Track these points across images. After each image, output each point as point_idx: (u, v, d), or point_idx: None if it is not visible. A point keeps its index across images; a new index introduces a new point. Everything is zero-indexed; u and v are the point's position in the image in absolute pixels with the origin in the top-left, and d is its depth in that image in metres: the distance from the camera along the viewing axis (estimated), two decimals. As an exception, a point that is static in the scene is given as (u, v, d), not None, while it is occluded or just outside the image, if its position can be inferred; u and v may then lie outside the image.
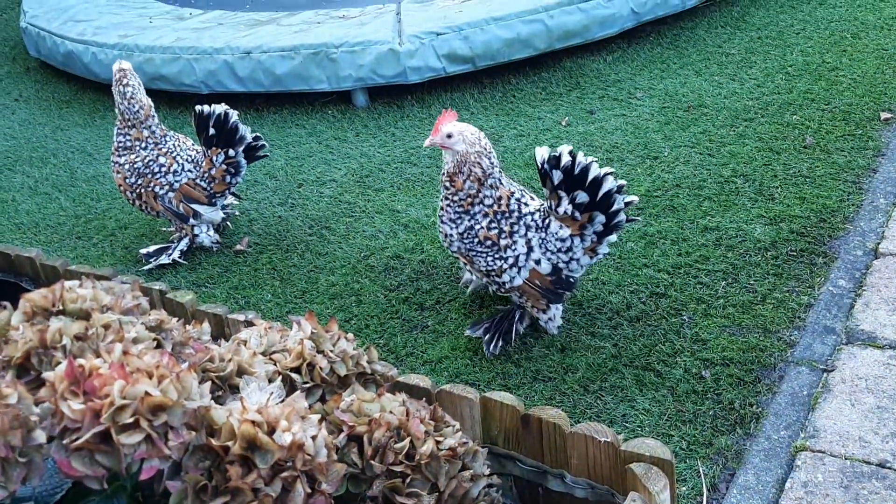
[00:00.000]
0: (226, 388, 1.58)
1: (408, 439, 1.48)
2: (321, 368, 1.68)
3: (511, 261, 2.52)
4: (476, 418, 1.91)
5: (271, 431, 1.32)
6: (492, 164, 2.51)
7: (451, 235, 2.57)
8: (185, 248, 3.40)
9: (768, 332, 2.62)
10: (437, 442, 1.51)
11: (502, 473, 1.90)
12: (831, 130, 3.72)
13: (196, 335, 1.81)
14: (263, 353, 1.74)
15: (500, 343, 2.65)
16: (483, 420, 1.91)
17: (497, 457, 1.90)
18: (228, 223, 3.60)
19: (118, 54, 4.90)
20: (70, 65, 5.31)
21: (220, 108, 3.21)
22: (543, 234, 2.52)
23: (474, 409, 1.91)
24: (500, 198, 2.53)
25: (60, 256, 3.47)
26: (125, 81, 3.21)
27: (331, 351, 1.73)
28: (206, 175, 3.31)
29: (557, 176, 2.42)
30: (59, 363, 1.46)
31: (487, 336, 2.67)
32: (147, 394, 1.24)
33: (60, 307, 1.57)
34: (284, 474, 1.29)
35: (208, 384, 1.40)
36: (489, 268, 2.55)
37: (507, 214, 2.53)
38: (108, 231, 3.72)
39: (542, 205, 2.57)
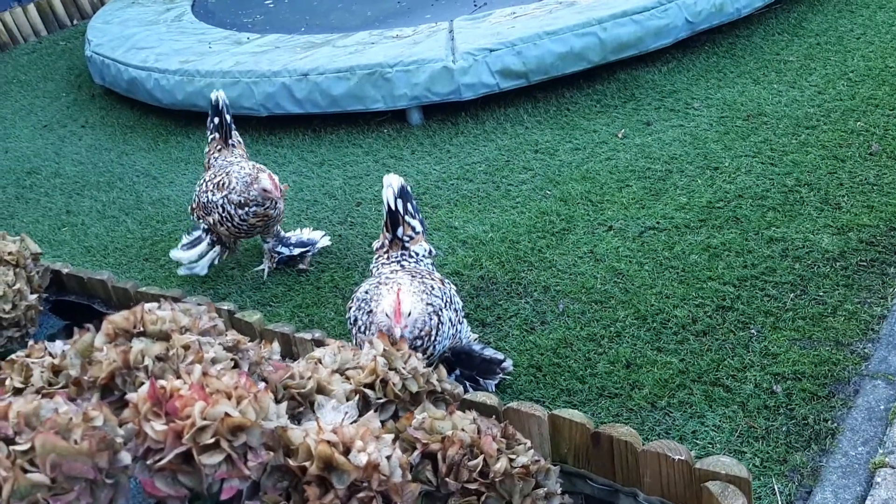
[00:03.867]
0: (306, 404, 1.61)
1: (481, 457, 1.48)
2: (394, 385, 1.69)
3: (451, 289, 2.53)
4: (545, 436, 1.90)
5: (346, 451, 1.33)
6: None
7: (456, 327, 2.46)
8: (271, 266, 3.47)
9: (841, 344, 2.55)
10: (510, 459, 1.51)
11: (572, 492, 1.88)
12: (899, 136, 3.62)
13: (266, 354, 1.84)
14: (337, 371, 1.76)
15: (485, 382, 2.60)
16: (552, 438, 1.90)
17: (567, 475, 1.88)
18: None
19: (179, 80, 5.04)
20: (133, 91, 5.48)
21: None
22: (418, 259, 2.62)
23: (542, 426, 1.90)
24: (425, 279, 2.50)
25: (130, 278, 3.56)
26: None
27: (402, 368, 1.75)
28: None
29: (401, 203, 2.58)
30: (142, 383, 1.50)
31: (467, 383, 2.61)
32: (227, 414, 1.27)
33: (141, 329, 1.61)
34: (361, 495, 1.30)
35: (284, 404, 1.42)
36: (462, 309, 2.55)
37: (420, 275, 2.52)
38: (174, 252, 3.81)
39: (392, 254, 2.63)
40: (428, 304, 2.31)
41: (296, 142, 4.74)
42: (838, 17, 4.97)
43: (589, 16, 4.56)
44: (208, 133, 3.57)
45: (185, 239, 3.53)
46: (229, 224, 3.25)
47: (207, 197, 3.29)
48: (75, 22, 8.32)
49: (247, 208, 3.19)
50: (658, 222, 3.34)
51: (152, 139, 5.19)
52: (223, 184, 3.24)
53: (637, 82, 4.63)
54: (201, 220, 3.39)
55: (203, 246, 3.45)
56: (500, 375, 2.62)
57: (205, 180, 3.37)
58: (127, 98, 5.71)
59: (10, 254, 2.73)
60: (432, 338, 2.30)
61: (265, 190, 3.14)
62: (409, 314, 2.21)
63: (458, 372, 2.60)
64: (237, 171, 3.23)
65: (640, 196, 3.56)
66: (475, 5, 5.49)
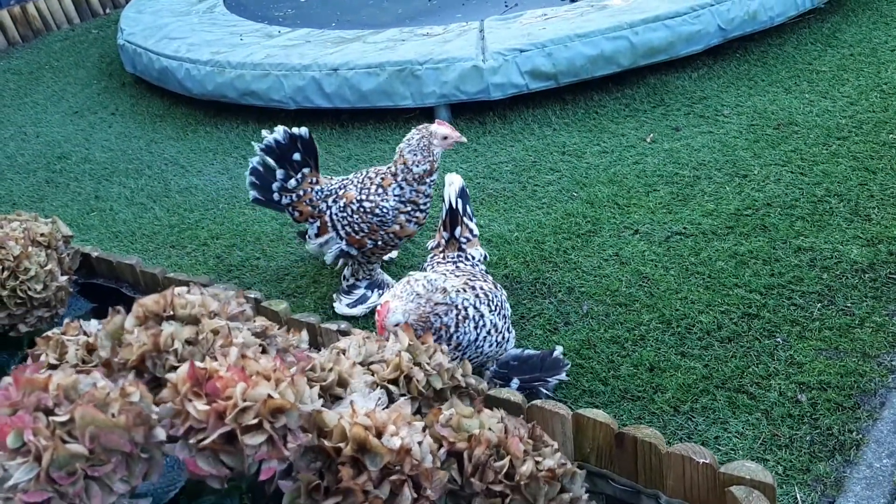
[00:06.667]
0: (327, 397, 1.62)
1: (507, 458, 1.48)
2: (418, 381, 1.70)
3: (503, 295, 2.52)
4: (568, 435, 1.90)
5: (379, 435, 1.35)
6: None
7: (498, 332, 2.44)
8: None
9: (867, 356, 2.53)
10: (537, 462, 1.51)
11: (594, 492, 1.88)
12: (931, 150, 3.59)
13: (295, 342, 1.85)
14: (361, 364, 1.77)
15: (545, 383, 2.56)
16: (575, 437, 1.90)
17: (589, 474, 1.88)
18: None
19: (210, 70, 5.08)
20: (164, 80, 5.52)
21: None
22: (473, 263, 2.61)
23: (566, 425, 1.90)
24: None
25: (157, 264, 3.59)
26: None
27: (427, 363, 1.75)
28: None
29: (461, 204, 2.58)
30: (172, 366, 1.52)
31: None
32: (269, 396, 1.28)
33: (171, 312, 1.63)
34: (393, 477, 1.31)
35: (317, 388, 1.43)
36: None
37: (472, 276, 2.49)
38: (201, 241, 3.84)
39: (448, 254, 2.62)
40: (438, 303, 2.25)
41: (323, 136, 4.76)
42: (873, 28, 4.93)
43: (620, 19, 4.55)
44: (287, 179, 3.04)
45: (346, 299, 3.15)
46: (418, 214, 2.93)
47: (380, 208, 2.89)
48: (108, 11, 8.41)
49: (429, 179, 2.89)
50: (685, 228, 3.34)
51: (181, 128, 5.24)
52: (384, 180, 2.90)
53: (667, 87, 4.62)
54: (366, 245, 3.00)
55: (372, 300, 3.14)
56: (567, 366, 2.56)
57: (353, 203, 2.93)
58: (157, 87, 5.76)
59: (42, 235, 2.76)
60: (450, 332, 2.28)
61: (445, 137, 2.83)
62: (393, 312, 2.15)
63: (517, 382, 2.50)
64: (401, 157, 2.87)
65: (667, 201, 3.55)
66: (506, 6, 5.50)
